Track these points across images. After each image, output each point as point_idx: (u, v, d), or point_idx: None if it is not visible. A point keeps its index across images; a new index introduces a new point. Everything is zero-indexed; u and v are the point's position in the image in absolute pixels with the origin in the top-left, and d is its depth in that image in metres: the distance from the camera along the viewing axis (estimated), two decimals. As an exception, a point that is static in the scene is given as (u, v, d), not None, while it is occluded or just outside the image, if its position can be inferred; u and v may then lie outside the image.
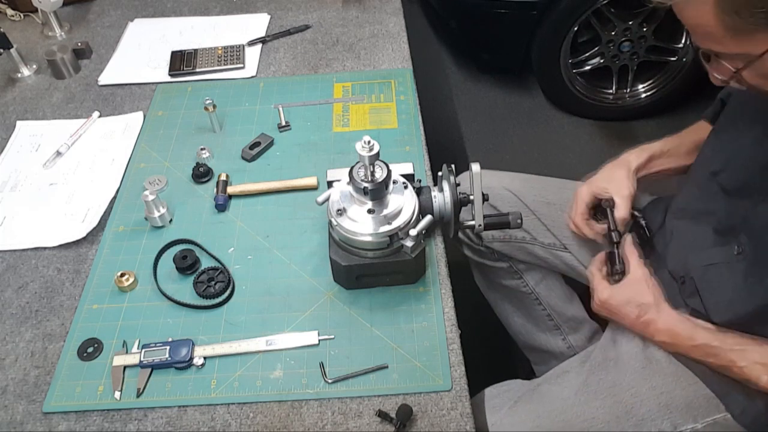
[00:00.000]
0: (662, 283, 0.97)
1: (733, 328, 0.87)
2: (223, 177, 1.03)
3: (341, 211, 0.82)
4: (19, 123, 1.20)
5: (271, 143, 1.11)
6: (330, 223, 0.84)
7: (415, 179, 0.90)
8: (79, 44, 1.33)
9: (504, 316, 1.37)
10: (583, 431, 0.90)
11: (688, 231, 0.95)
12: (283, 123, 1.14)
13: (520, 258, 1.21)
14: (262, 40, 1.35)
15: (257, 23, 1.40)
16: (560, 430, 0.91)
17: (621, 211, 0.99)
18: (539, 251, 1.17)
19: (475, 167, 0.84)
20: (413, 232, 0.80)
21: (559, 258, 1.16)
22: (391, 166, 0.82)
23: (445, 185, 0.88)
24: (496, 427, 0.92)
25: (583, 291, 1.30)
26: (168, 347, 0.82)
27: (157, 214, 0.97)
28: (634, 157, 1.04)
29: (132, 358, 0.82)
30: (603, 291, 0.94)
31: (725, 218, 0.88)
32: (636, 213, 1.04)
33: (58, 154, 1.12)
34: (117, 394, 0.79)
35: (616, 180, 1.01)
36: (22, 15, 1.47)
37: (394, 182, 0.84)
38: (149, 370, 0.81)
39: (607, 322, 1.07)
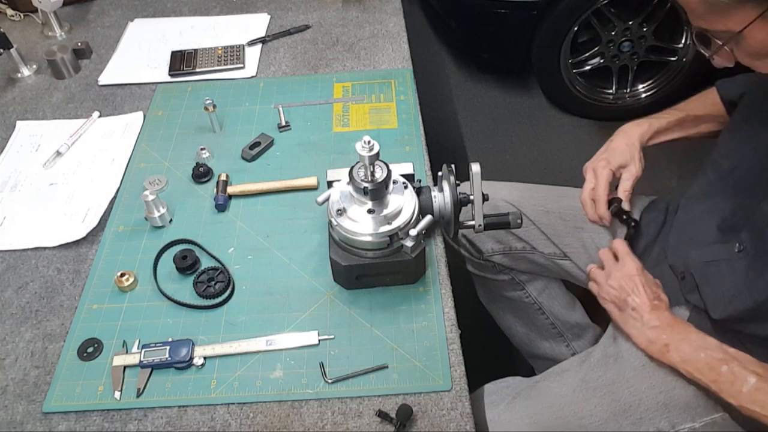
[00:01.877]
0: (663, 279, 0.97)
1: (731, 324, 0.88)
2: (223, 177, 1.03)
3: (341, 211, 0.82)
4: (19, 123, 1.20)
5: (271, 143, 1.11)
6: (330, 223, 0.84)
7: (415, 179, 0.90)
8: (79, 44, 1.33)
9: (507, 327, 1.36)
10: (580, 428, 0.90)
11: (691, 227, 0.96)
12: (283, 123, 1.14)
13: (521, 268, 1.21)
14: (262, 40, 1.35)
15: (257, 23, 1.40)
16: (557, 426, 0.91)
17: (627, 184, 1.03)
18: (540, 260, 1.17)
19: (475, 167, 0.84)
20: (413, 232, 0.80)
21: (560, 266, 1.16)
22: (391, 166, 0.82)
23: (445, 185, 0.88)
24: (494, 422, 0.92)
25: (584, 296, 1.31)
26: (168, 347, 0.82)
27: (157, 214, 0.97)
28: (640, 132, 1.05)
29: (132, 358, 0.82)
30: (634, 262, 0.94)
31: (730, 216, 0.89)
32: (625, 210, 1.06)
33: (58, 154, 1.12)
34: (117, 394, 0.79)
35: (629, 157, 1.04)
36: (22, 15, 1.47)
37: (394, 182, 0.84)
38: (149, 370, 0.81)
39: (608, 323, 1.06)
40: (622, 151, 1.04)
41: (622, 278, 0.93)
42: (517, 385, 0.99)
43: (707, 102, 1.06)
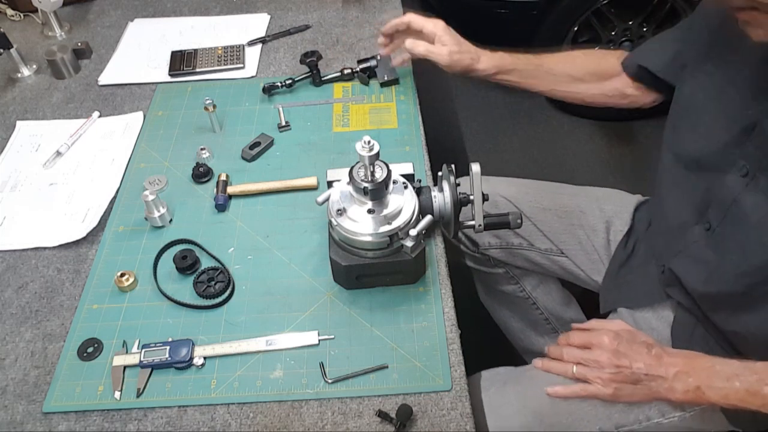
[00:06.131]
0: (647, 277, 0.98)
1: (718, 304, 0.86)
2: (223, 177, 1.03)
3: (341, 211, 0.82)
4: (19, 123, 1.20)
5: (271, 143, 1.11)
6: (330, 223, 0.84)
7: (415, 179, 0.90)
8: (79, 44, 1.33)
9: (502, 322, 1.37)
10: (569, 414, 0.90)
11: (670, 217, 0.95)
12: (283, 123, 1.14)
13: (518, 264, 1.21)
14: (262, 40, 1.35)
15: (257, 23, 1.40)
16: (546, 410, 0.91)
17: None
18: (536, 257, 1.17)
19: (475, 167, 0.84)
20: (413, 232, 0.80)
21: (557, 263, 1.16)
22: (391, 166, 0.82)
23: (445, 185, 0.88)
24: (485, 404, 0.93)
25: (580, 294, 1.31)
26: (168, 347, 0.82)
27: (157, 214, 0.97)
28: (487, 60, 1.04)
29: (132, 358, 0.82)
30: (603, 335, 0.85)
31: (704, 193, 0.86)
32: None
33: (58, 154, 1.12)
34: (117, 394, 0.79)
35: (456, 56, 1.02)
36: (22, 15, 1.47)
37: (394, 182, 0.84)
38: (149, 370, 0.81)
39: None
40: (460, 43, 1.03)
41: (610, 358, 0.83)
42: (510, 372, 1.00)
43: (570, 61, 1.06)
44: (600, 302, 1.09)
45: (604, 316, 1.07)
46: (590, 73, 1.05)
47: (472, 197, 0.86)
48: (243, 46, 1.32)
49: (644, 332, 0.95)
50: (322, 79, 1.21)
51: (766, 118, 0.76)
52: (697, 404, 0.81)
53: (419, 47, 1.03)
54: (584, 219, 1.13)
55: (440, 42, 1.02)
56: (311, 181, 1.03)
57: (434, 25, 1.03)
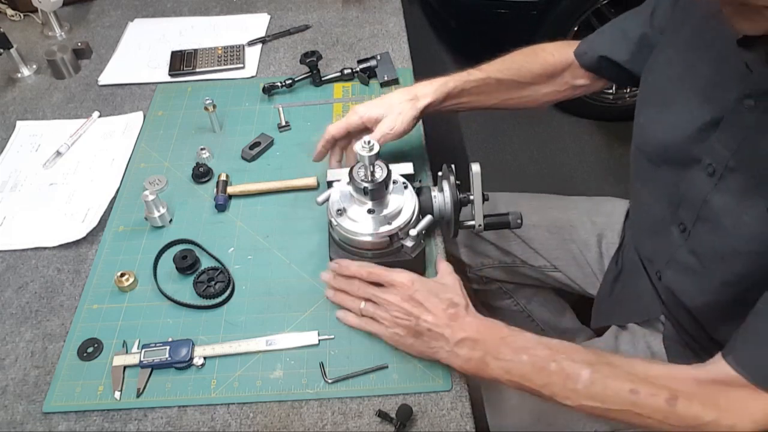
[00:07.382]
0: (642, 291, 0.93)
1: (715, 314, 0.81)
2: (223, 177, 1.03)
3: (341, 211, 0.82)
4: (19, 123, 1.20)
5: (271, 143, 1.11)
6: (330, 223, 0.84)
7: (416, 179, 0.90)
8: (79, 44, 1.33)
9: None
10: (567, 411, 0.90)
11: (647, 214, 0.90)
12: (283, 123, 1.14)
13: (511, 280, 1.20)
14: (262, 40, 1.35)
15: (257, 23, 1.40)
16: (545, 407, 0.90)
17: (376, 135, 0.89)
18: (530, 272, 1.16)
19: (475, 167, 0.84)
20: (413, 232, 0.80)
21: (551, 277, 1.15)
22: (391, 166, 0.82)
23: (445, 185, 0.88)
24: (490, 401, 0.93)
25: (574, 302, 1.31)
26: (168, 347, 0.82)
27: (157, 214, 0.97)
28: (425, 91, 0.93)
29: (132, 358, 0.82)
30: (405, 275, 0.78)
31: (674, 187, 0.81)
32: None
33: (58, 154, 1.12)
34: (117, 394, 0.79)
35: (401, 117, 0.90)
36: (22, 15, 1.47)
37: (394, 182, 0.84)
38: (149, 370, 0.81)
39: (603, 329, 1.04)
40: (390, 104, 0.91)
41: (401, 302, 0.76)
42: None
43: (515, 66, 1.00)
44: (592, 318, 1.07)
45: (599, 333, 1.05)
46: (537, 74, 1.00)
47: (472, 197, 0.86)
48: (243, 46, 1.32)
49: (641, 347, 0.92)
50: (322, 79, 1.21)
51: (733, 113, 0.69)
52: (480, 378, 0.73)
53: (381, 139, 0.89)
54: (575, 233, 1.11)
55: (379, 122, 0.91)
56: (311, 181, 1.03)
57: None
